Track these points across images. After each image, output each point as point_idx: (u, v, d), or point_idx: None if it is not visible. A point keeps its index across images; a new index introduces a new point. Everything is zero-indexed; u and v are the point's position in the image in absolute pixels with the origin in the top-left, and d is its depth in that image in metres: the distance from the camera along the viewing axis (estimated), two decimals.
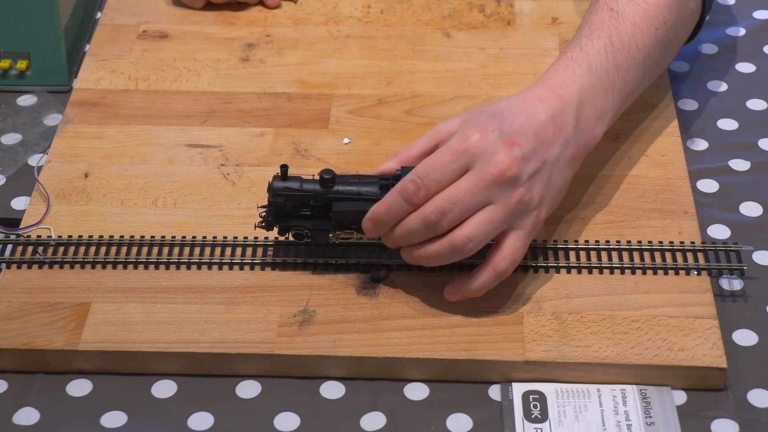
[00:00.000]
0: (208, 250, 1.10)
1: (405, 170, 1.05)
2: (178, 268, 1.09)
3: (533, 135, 1.03)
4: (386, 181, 1.06)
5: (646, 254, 1.09)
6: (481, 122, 1.03)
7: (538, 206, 1.03)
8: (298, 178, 1.06)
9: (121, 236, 1.11)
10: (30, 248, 1.10)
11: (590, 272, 1.08)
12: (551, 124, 1.04)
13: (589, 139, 1.07)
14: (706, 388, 1.01)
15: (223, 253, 1.10)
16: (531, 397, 1.00)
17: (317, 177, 1.06)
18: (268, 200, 1.06)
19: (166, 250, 1.10)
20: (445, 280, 1.05)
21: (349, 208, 1.05)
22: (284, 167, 1.06)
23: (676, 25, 1.15)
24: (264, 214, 1.07)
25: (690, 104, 1.27)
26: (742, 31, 1.37)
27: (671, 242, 1.10)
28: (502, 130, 1.02)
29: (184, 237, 1.11)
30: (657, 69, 1.16)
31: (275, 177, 1.06)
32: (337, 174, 1.06)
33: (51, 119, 1.27)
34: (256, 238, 1.11)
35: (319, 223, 1.06)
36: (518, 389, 1.01)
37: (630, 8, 1.12)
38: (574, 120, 1.06)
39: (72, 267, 1.09)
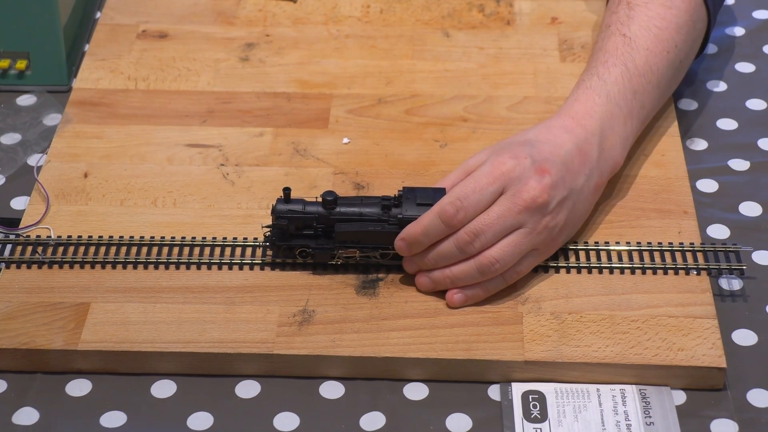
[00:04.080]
0: (207, 250, 1.10)
1: (406, 190, 1.06)
2: (177, 268, 1.09)
3: (561, 163, 1.05)
4: (388, 201, 1.06)
5: (646, 254, 1.09)
6: (512, 150, 1.06)
7: (560, 232, 1.06)
8: (301, 201, 1.07)
9: (121, 236, 1.11)
10: (29, 248, 1.10)
11: (590, 272, 1.08)
12: (577, 153, 1.07)
13: (612, 165, 1.10)
14: (706, 388, 1.01)
15: (222, 253, 1.10)
16: (530, 397, 1.00)
17: (320, 199, 1.06)
18: (272, 222, 1.07)
19: (165, 250, 1.10)
20: None
21: (351, 229, 1.05)
22: (287, 190, 1.06)
23: (686, 46, 1.18)
24: (268, 234, 1.08)
25: (690, 104, 1.27)
26: (741, 31, 1.37)
27: (671, 242, 1.10)
28: (534, 157, 1.04)
29: (183, 237, 1.11)
30: (669, 90, 1.19)
31: (278, 200, 1.07)
32: (339, 195, 1.06)
33: (50, 119, 1.27)
34: (255, 238, 1.10)
35: (322, 243, 1.07)
36: (518, 389, 1.01)
37: (642, 33, 1.14)
38: (598, 149, 1.08)
39: (71, 267, 1.09)
